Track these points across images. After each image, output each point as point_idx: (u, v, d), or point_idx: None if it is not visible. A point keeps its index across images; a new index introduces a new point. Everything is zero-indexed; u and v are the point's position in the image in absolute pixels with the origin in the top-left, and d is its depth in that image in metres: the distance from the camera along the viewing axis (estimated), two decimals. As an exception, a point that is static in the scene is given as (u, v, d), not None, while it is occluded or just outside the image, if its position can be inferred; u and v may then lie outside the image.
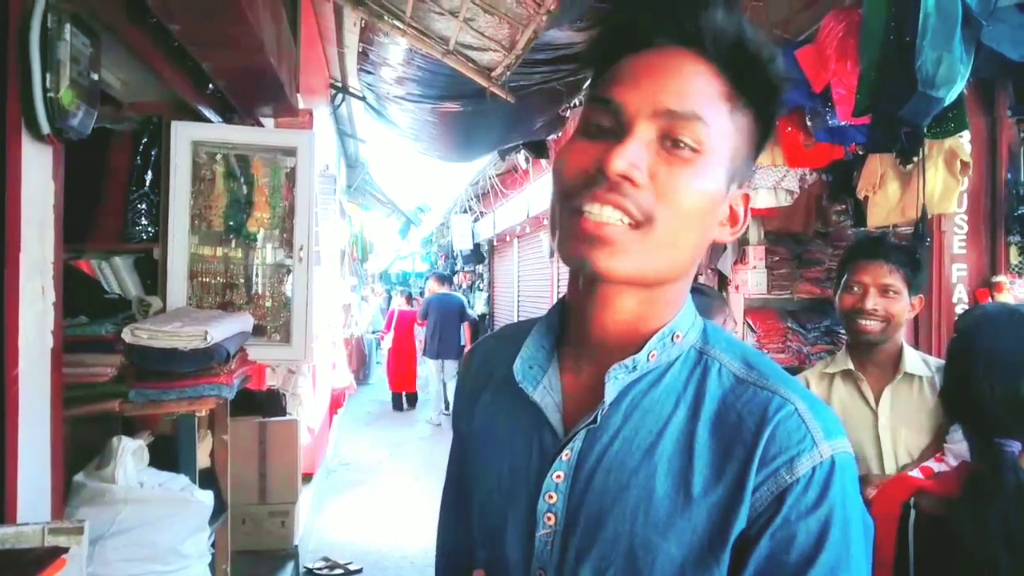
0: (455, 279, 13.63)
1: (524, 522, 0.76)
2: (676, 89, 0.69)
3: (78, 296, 2.38)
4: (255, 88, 3.04)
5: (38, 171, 1.66)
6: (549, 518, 0.75)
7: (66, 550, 1.49)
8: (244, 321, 2.77)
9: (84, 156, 2.77)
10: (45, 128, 1.59)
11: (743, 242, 4.27)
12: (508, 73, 4.03)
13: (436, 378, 9.06)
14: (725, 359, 0.76)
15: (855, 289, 1.90)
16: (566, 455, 0.75)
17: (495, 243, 13.50)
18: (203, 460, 2.70)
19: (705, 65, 0.71)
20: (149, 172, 3.11)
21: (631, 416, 0.74)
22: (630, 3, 0.74)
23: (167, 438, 2.68)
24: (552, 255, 9.42)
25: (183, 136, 3.09)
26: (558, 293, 9.50)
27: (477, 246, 14.24)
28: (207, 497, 2.24)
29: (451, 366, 8.78)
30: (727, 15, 0.71)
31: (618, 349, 0.76)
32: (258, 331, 3.27)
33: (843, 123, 2.88)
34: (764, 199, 3.59)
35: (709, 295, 2.00)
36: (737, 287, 4.32)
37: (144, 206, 3.12)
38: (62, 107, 1.62)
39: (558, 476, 0.75)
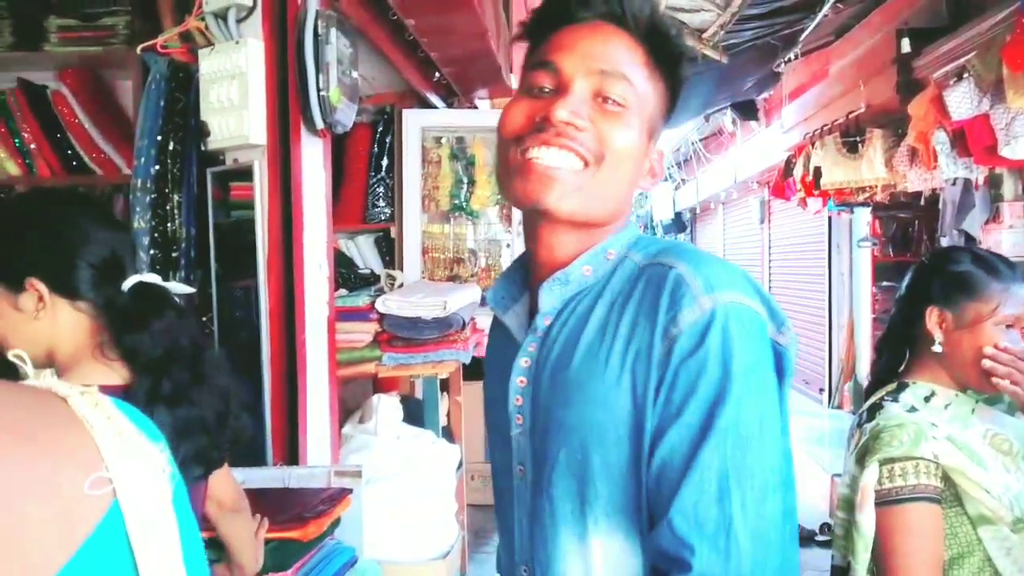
0: None
1: (504, 426, 0.88)
2: (606, 54, 0.82)
3: (337, 271, 2.68)
4: (476, 72, 3.22)
5: (314, 161, 1.90)
6: (518, 419, 0.86)
7: (351, 490, 1.73)
8: (474, 292, 2.96)
9: (332, 146, 3.12)
10: (319, 123, 1.81)
11: (996, 198, 3.80)
12: (722, 32, 3.89)
13: None
14: (637, 256, 0.84)
15: None
16: (524, 362, 0.86)
17: (698, 211, 13.12)
18: (441, 419, 2.95)
19: (628, 37, 0.83)
20: (385, 158, 3.42)
21: (568, 322, 0.83)
22: None
23: (408, 399, 2.96)
24: (763, 221, 8.99)
25: (413, 123, 3.34)
26: (770, 261, 9.05)
27: (678, 215, 13.92)
28: (454, 451, 2.45)
29: None
30: None
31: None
32: (483, 301, 3.49)
33: None
34: (1025, 148, 3.16)
35: (1001, 270, 1.34)
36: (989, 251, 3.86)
37: (381, 189, 3.44)
38: (331, 104, 1.83)
39: (521, 381, 0.86)
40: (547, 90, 0.82)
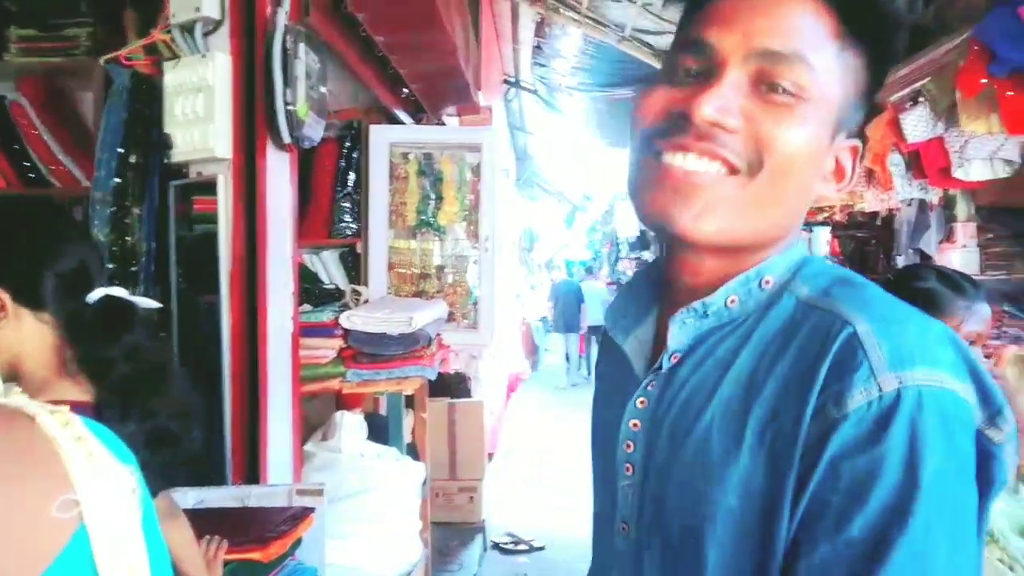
0: (602, 271, 16.56)
1: (611, 473, 0.72)
2: (776, 27, 0.62)
3: (301, 286, 2.66)
4: (445, 89, 3.23)
5: (280, 176, 1.89)
6: (628, 468, 0.70)
7: (313, 509, 1.70)
8: (440, 308, 2.96)
9: (299, 161, 3.10)
10: (286, 137, 1.80)
11: (950, 219, 3.92)
12: (685, 55, 3.97)
13: (564, 347, 11.24)
14: (803, 289, 0.64)
15: None
16: (640, 402, 0.69)
17: (663, 229, 13.25)
18: (405, 436, 2.93)
19: (811, 0, 0.63)
20: (352, 173, 3.40)
21: (703, 364, 0.66)
22: None
23: (372, 415, 2.93)
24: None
25: (380, 138, 3.34)
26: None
27: (642, 232, 14.07)
28: (419, 468, 2.44)
29: (573, 337, 11.05)
30: None
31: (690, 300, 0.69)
32: (448, 317, 3.48)
33: (1075, 82, 2.57)
34: (978, 171, 3.26)
35: (966, 289, 1.41)
36: (942, 268, 3.97)
37: (348, 204, 3.42)
38: (299, 118, 1.82)
39: (634, 424, 0.69)
40: (694, 72, 0.64)
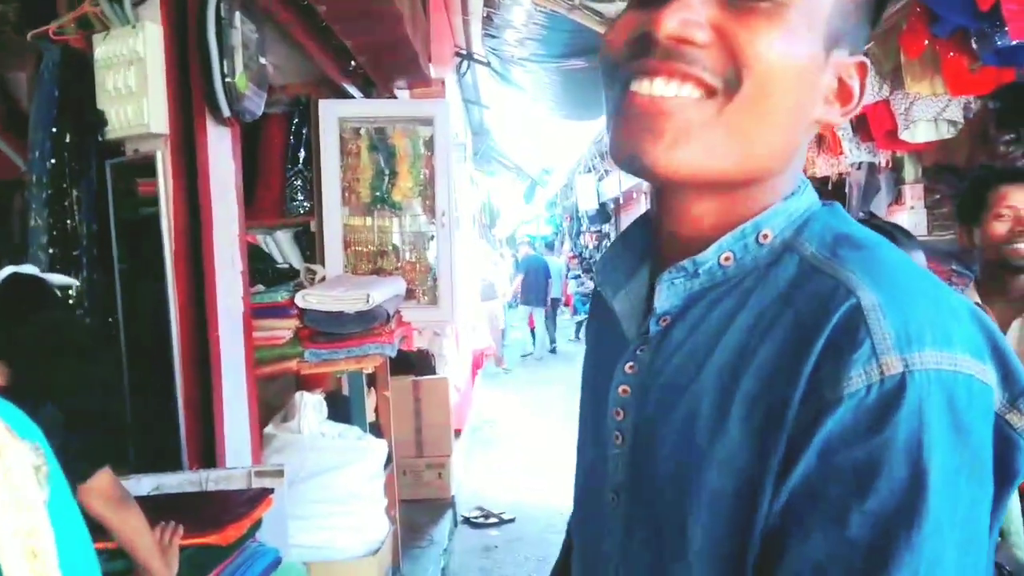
0: (564, 245, 16.99)
1: (601, 440, 0.67)
2: None
3: (254, 266, 2.60)
4: (393, 61, 3.17)
5: (222, 151, 1.83)
6: (617, 437, 0.64)
7: (272, 491, 1.68)
8: (398, 284, 2.93)
9: (244, 138, 3.02)
10: (226, 111, 1.75)
11: (898, 181, 4.00)
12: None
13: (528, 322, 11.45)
14: (808, 248, 0.57)
15: (1004, 215, 1.91)
16: (630, 368, 0.63)
17: (621, 202, 13.34)
18: (368, 415, 2.90)
19: None
20: (302, 150, 3.33)
21: (698, 328, 0.59)
22: None
23: (335, 395, 2.90)
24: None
25: (330, 113, 3.26)
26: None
27: (603, 205, 14.13)
28: (381, 446, 2.42)
29: (538, 312, 11.18)
30: None
31: (681, 257, 0.61)
32: (408, 294, 3.45)
33: (1014, 42, 2.62)
34: (924, 132, 3.32)
35: (899, 239, 1.48)
36: (891, 229, 4.06)
37: (299, 182, 3.35)
38: (238, 91, 1.77)
39: (623, 390, 0.64)
40: None
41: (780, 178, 0.60)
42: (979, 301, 1.96)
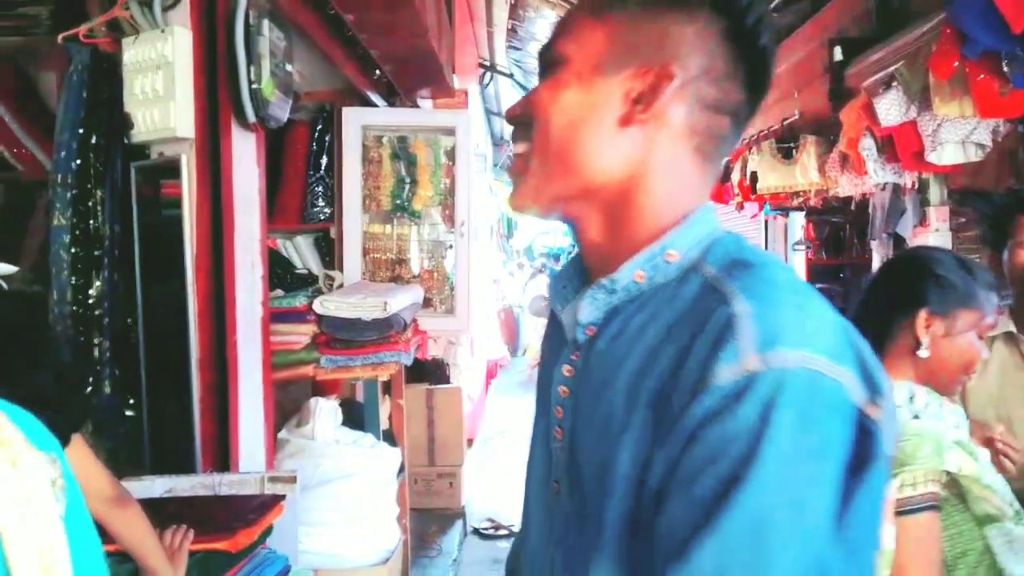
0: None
1: (547, 436, 0.77)
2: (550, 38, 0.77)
3: (273, 271, 2.61)
4: (418, 71, 3.18)
5: (246, 156, 1.84)
6: (558, 432, 0.74)
7: (283, 497, 1.67)
8: (416, 293, 2.93)
9: (267, 144, 3.04)
10: (251, 117, 1.76)
11: (923, 203, 3.95)
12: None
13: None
14: (710, 270, 0.67)
15: None
16: (567, 371, 0.74)
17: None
18: (382, 422, 2.90)
19: (578, 15, 0.75)
20: (324, 157, 3.34)
21: (619, 337, 0.69)
22: None
23: (348, 402, 2.90)
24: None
25: (353, 121, 3.28)
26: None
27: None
28: (395, 454, 2.41)
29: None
30: None
31: (605, 276, 0.72)
32: (425, 303, 3.45)
33: (1046, 64, 2.58)
34: (951, 155, 3.27)
35: (975, 276, 1.33)
36: (915, 251, 4.00)
37: (321, 189, 3.36)
38: (264, 97, 1.78)
39: (563, 391, 0.74)
40: None
41: (648, 196, 0.71)
42: (1013, 329, 1.86)
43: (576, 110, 0.70)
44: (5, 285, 1.10)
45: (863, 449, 0.59)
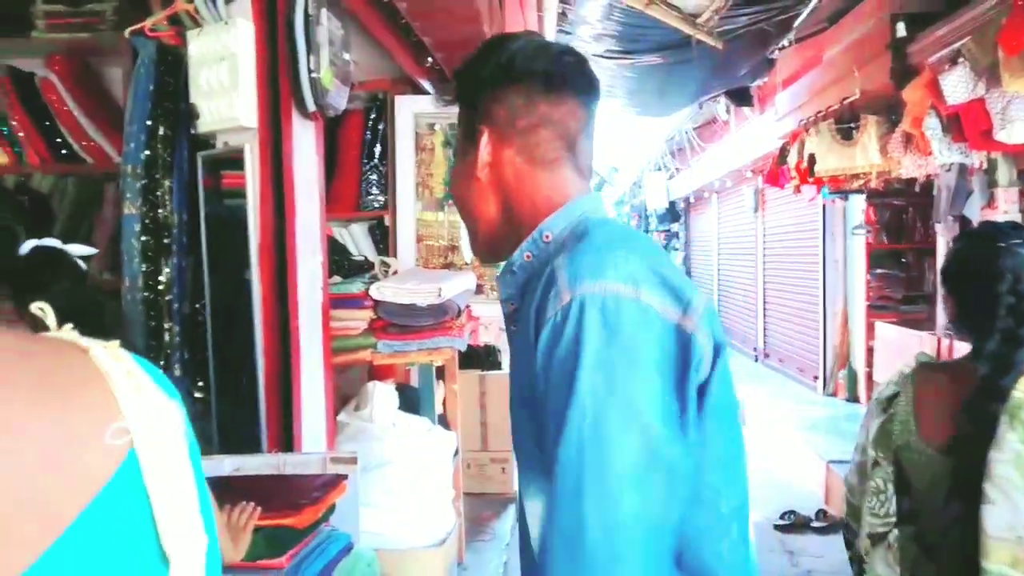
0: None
1: None
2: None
3: (331, 258, 2.67)
4: (469, 57, 3.19)
5: (306, 145, 1.88)
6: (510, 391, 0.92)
7: (345, 477, 1.71)
8: (468, 279, 2.95)
9: (325, 133, 3.10)
10: (311, 105, 1.79)
11: (991, 184, 3.80)
12: (716, 17, 3.87)
13: None
14: (569, 244, 0.85)
15: None
16: (508, 339, 0.94)
17: (691, 200, 13.11)
18: (437, 407, 2.94)
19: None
20: (378, 145, 3.39)
21: (522, 308, 0.88)
22: None
23: (403, 386, 2.94)
24: (757, 209, 8.99)
25: (406, 109, 3.32)
26: (764, 249, 9.06)
27: (672, 204, 13.91)
28: (450, 438, 2.44)
29: None
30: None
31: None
32: (477, 289, 3.48)
33: None
34: (1021, 133, 3.14)
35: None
36: (982, 234, 3.85)
37: (375, 177, 3.41)
38: (323, 86, 1.81)
39: (510, 356, 0.94)
40: None
41: (515, 202, 0.92)
42: None
43: (457, 171, 0.98)
44: (84, 266, 1.13)
45: (686, 354, 0.77)
